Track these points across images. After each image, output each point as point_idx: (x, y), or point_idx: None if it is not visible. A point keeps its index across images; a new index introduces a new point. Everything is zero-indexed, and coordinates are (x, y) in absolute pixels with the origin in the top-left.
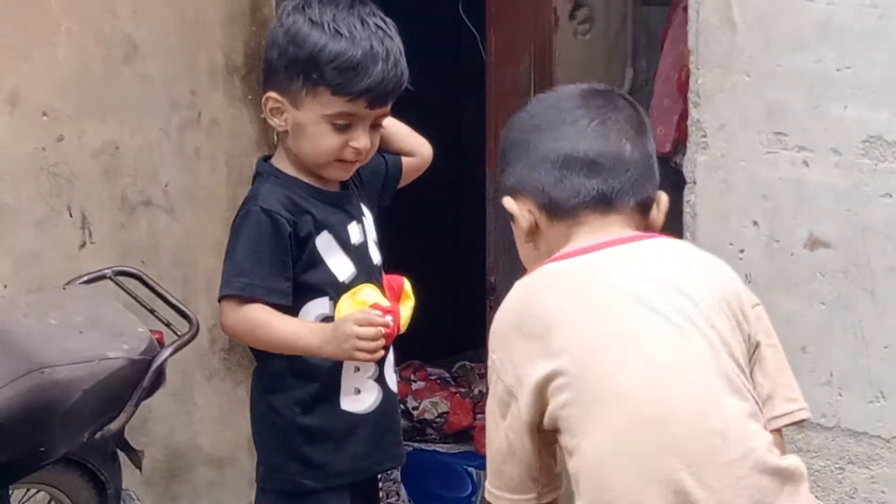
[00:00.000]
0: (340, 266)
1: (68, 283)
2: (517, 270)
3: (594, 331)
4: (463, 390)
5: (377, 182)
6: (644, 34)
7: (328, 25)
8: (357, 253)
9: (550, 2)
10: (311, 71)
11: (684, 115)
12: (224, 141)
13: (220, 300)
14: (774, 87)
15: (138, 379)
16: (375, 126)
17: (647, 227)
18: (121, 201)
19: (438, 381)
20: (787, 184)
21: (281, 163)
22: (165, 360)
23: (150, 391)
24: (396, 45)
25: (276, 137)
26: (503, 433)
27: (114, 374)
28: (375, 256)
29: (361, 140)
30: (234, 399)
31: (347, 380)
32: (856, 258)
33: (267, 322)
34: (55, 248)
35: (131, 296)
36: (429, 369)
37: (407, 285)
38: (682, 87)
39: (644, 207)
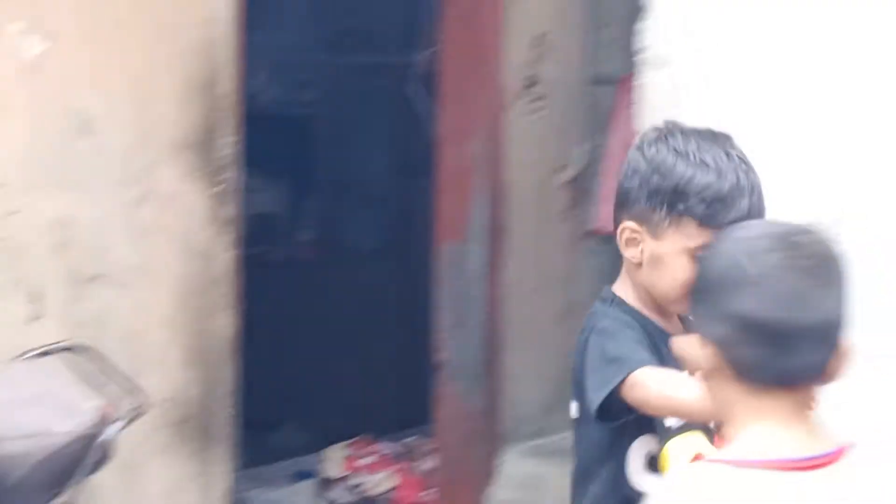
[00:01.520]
0: None
1: (18, 356)
2: (467, 347)
3: None
4: (411, 465)
5: None
6: (595, 112)
7: (694, 156)
8: None
9: (502, 79)
10: (677, 201)
11: None
12: (177, 216)
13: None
14: None
15: (87, 453)
16: None
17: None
18: (72, 275)
19: (387, 457)
20: None
21: (624, 292)
22: (114, 434)
23: (98, 466)
24: (757, 178)
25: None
26: None
27: (62, 448)
28: None
29: None
30: (184, 473)
31: None
32: None
33: (675, 382)
34: (5, 322)
35: (82, 370)
36: (378, 445)
37: None
38: None
39: (826, 370)
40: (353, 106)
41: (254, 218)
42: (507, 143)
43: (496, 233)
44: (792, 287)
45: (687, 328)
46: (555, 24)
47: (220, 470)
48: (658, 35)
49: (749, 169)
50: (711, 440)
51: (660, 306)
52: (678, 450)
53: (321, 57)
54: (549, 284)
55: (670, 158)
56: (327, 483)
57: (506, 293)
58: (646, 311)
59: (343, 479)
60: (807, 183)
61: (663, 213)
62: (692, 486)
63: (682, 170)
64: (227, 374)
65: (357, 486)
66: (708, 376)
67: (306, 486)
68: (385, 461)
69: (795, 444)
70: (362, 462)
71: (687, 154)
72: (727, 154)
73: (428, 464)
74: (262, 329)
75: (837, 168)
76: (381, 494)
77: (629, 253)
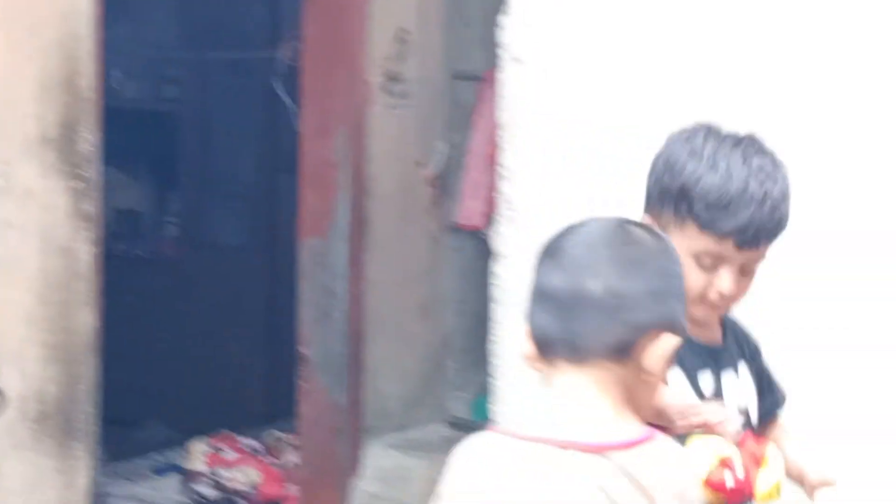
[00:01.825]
0: None
1: None
2: (330, 341)
3: None
4: (274, 460)
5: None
6: (458, 108)
7: (708, 158)
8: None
9: (365, 75)
10: (681, 202)
11: (494, 188)
12: (36, 212)
13: None
14: (581, 163)
15: None
16: (747, 271)
17: (635, 375)
18: None
19: (250, 451)
20: None
21: None
22: None
23: None
24: (779, 188)
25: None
26: None
27: None
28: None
29: (726, 283)
30: (45, 469)
31: None
32: None
33: None
34: None
35: None
36: (240, 439)
37: (770, 452)
38: (493, 161)
39: (624, 353)
40: (218, 101)
41: (117, 214)
42: (369, 139)
43: (359, 228)
44: (579, 256)
45: (727, 335)
46: (417, 20)
47: (82, 465)
48: (519, 31)
49: (768, 178)
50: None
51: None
52: (701, 444)
53: (185, 52)
54: (411, 279)
55: (683, 158)
56: (190, 477)
57: (368, 288)
58: None
59: (206, 473)
60: None
61: (671, 213)
62: (474, 452)
63: (691, 171)
64: (87, 370)
65: (220, 480)
66: (531, 362)
67: (169, 481)
68: (248, 455)
69: (588, 427)
70: (225, 456)
71: (701, 155)
72: (745, 160)
73: (291, 458)
74: (125, 325)
75: None
76: (244, 489)
77: None
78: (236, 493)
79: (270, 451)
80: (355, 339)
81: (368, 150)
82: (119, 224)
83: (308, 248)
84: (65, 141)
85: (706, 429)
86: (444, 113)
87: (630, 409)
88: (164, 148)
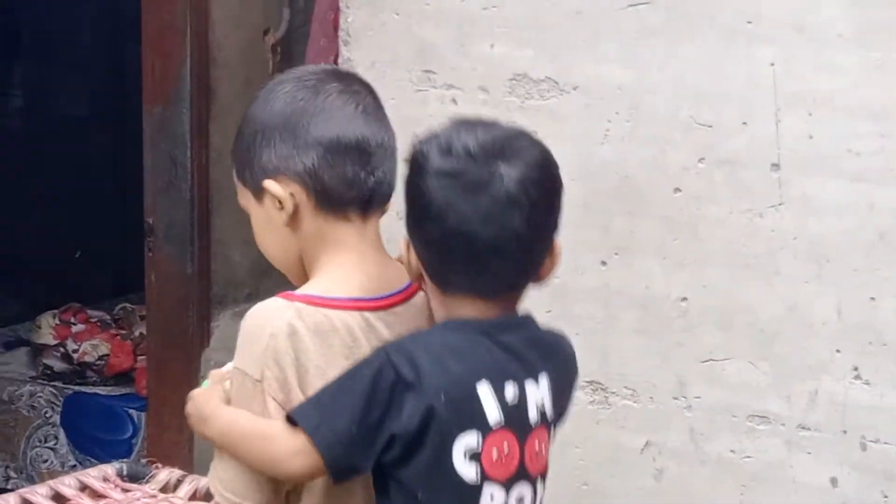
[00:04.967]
0: None
1: None
2: (175, 211)
3: None
4: (124, 332)
5: None
6: None
7: None
8: None
9: None
10: None
11: (339, 54)
12: None
13: None
14: (423, 26)
15: None
16: None
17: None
18: None
19: (99, 324)
20: (436, 122)
21: None
22: None
23: None
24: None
25: None
26: None
27: None
28: None
29: None
30: None
31: None
32: None
33: None
34: None
35: None
36: (89, 311)
37: None
38: (337, 27)
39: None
40: None
41: None
42: (212, 4)
43: (203, 96)
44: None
45: None
46: None
47: None
48: None
49: None
50: None
51: None
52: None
53: None
54: None
55: None
56: (40, 350)
57: (213, 157)
58: None
59: (55, 346)
60: (507, 41)
61: None
62: (266, 317)
63: None
64: None
65: (70, 353)
66: (291, 221)
67: (17, 354)
68: (97, 328)
69: (364, 285)
70: (74, 329)
71: None
72: None
73: (141, 330)
74: None
75: None
76: (93, 361)
77: None
78: (86, 365)
79: (120, 323)
80: (201, 207)
81: (212, 15)
82: None
83: (152, 117)
84: None
85: None
86: None
87: None
88: (2, 19)
